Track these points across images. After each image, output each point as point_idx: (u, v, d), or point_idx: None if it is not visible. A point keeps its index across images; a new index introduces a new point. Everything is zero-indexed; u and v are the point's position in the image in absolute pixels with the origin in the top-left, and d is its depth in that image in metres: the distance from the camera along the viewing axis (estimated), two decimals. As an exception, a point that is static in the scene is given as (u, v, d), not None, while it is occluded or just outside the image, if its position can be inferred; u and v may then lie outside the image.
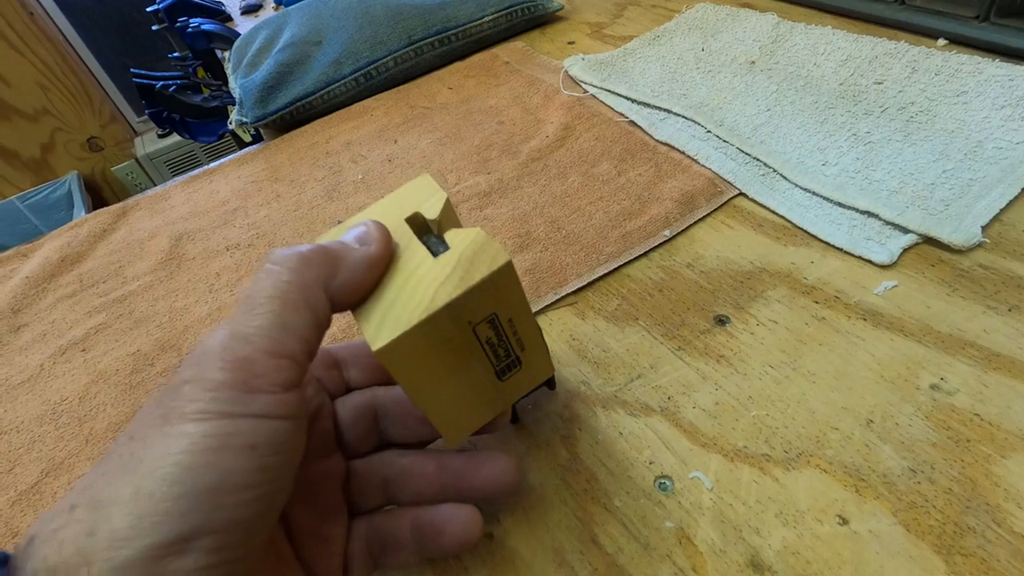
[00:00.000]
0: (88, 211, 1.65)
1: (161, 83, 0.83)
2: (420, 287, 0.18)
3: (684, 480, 0.24)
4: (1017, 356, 0.25)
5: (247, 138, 0.82)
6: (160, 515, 0.14)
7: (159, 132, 1.88)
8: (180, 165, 1.89)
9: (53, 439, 0.32)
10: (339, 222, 0.42)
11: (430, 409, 0.20)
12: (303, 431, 0.18)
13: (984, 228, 0.31)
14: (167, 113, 0.84)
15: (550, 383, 0.28)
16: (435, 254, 0.19)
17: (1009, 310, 0.27)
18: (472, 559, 0.23)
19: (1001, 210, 0.31)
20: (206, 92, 0.87)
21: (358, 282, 0.18)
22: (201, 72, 0.89)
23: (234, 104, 0.79)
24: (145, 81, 0.84)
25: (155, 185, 1.93)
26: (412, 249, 0.19)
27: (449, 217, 0.21)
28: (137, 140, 1.89)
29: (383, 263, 0.19)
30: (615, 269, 0.34)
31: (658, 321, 0.31)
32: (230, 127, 0.55)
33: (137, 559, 0.14)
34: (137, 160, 1.86)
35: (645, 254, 0.35)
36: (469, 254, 0.18)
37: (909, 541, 0.21)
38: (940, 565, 0.20)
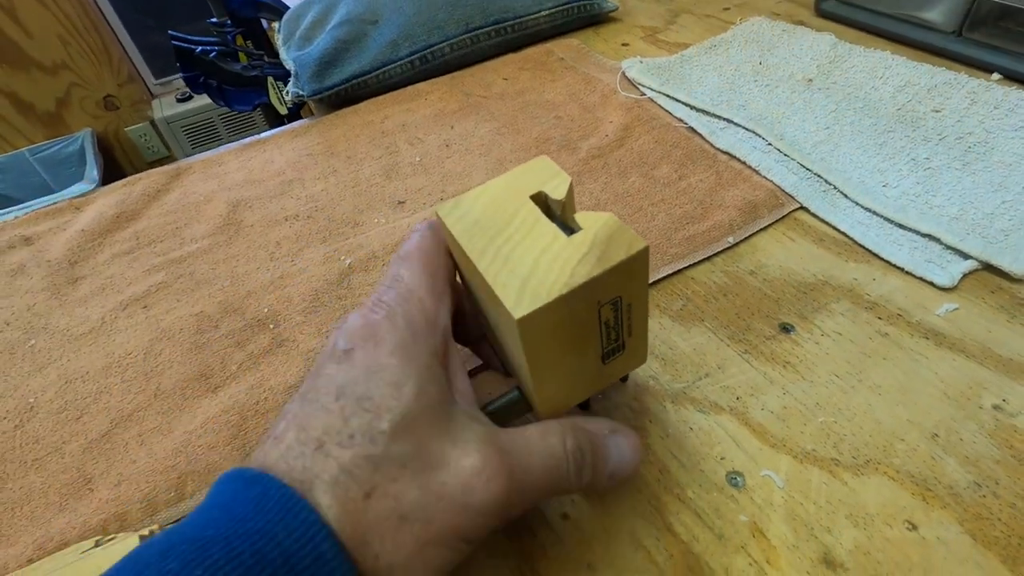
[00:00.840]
0: (100, 170, 1.64)
1: (201, 48, 0.82)
2: (557, 263, 0.19)
3: (755, 477, 0.25)
4: (1076, 384, 0.27)
5: (283, 111, 0.81)
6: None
7: (178, 96, 1.86)
8: (197, 132, 1.88)
9: (120, 391, 0.32)
10: (400, 202, 0.42)
11: (540, 381, 0.21)
12: None
13: (1042, 260, 0.32)
14: (204, 79, 0.83)
15: (625, 374, 0.28)
16: (568, 234, 0.20)
17: (1067, 340, 0.28)
18: (548, 536, 0.24)
19: (1059, 244, 0.33)
20: (244, 60, 0.87)
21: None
22: (240, 40, 0.89)
23: (274, 75, 0.79)
24: (184, 44, 0.83)
25: (168, 149, 1.91)
26: (542, 226, 0.20)
27: (571, 200, 0.21)
28: (154, 102, 1.87)
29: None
30: (679, 270, 0.35)
31: (723, 324, 0.32)
32: (285, 96, 0.55)
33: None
34: (153, 123, 1.85)
35: (708, 258, 0.35)
36: (604, 236, 0.19)
37: (976, 550, 0.22)
38: (1007, 574, 0.21)
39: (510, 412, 0.25)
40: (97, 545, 0.24)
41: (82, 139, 1.73)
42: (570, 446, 0.20)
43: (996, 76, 0.46)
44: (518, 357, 0.20)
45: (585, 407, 0.28)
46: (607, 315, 0.20)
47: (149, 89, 1.90)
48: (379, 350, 0.19)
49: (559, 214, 0.21)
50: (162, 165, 0.51)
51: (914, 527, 0.23)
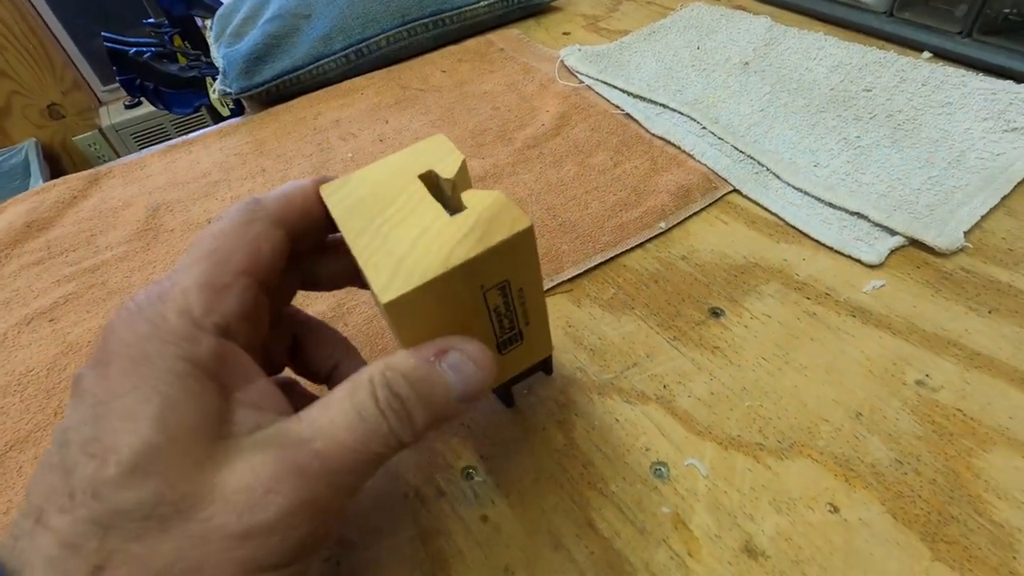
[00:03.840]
0: (46, 181, 1.57)
1: (135, 49, 0.79)
2: (435, 243, 0.17)
3: (679, 467, 0.24)
4: (996, 356, 0.26)
5: (225, 112, 0.79)
6: None
7: (126, 103, 1.80)
8: (148, 138, 1.82)
9: (18, 411, 0.30)
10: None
11: None
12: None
13: (966, 234, 0.32)
14: (140, 81, 0.80)
15: (547, 368, 0.27)
16: (451, 213, 0.18)
17: (989, 312, 0.28)
18: (466, 540, 0.23)
19: (982, 217, 0.33)
20: (183, 61, 0.83)
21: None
22: (178, 40, 0.86)
23: (212, 75, 0.76)
24: (117, 47, 0.80)
25: (119, 157, 1.85)
26: (426, 205, 0.19)
27: (464, 179, 0.20)
28: (102, 110, 1.81)
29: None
30: (611, 258, 0.34)
31: (654, 311, 0.31)
32: (212, 96, 0.53)
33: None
34: (101, 131, 1.78)
35: (641, 245, 0.35)
36: (488, 216, 0.18)
37: (896, 529, 0.22)
38: (925, 552, 0.21)
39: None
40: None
41: (25, 150, 1.65)
42: (382, 396, 0.17)
43: (927, 55, 0.47)
44: (399, 343, 0.19)
45: (509, 404, 0.27)
46: (495, 301, 0.19)
47: (97, 96, 1.83)
48: (109, 371, 0.15)
49: (449, 194, 0.20)
50: (81, 170, 0.48)
51: (836, 509, 0.22)
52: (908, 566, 0.21)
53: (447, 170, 0.20)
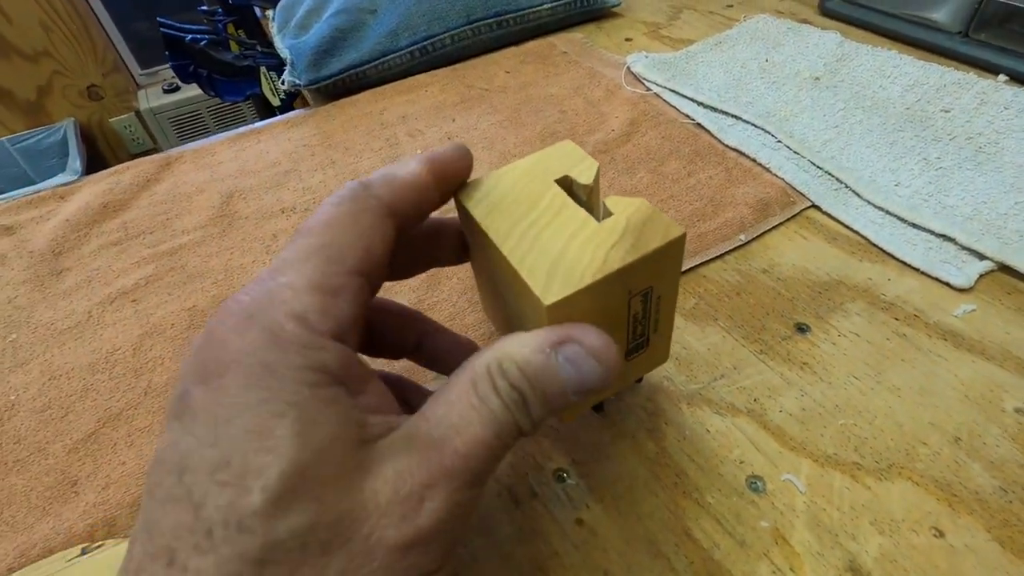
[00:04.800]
0: (83, 161, 1.60)
1: (191, 36, 0.80)
2: (588, 248, 0.17)
3: (776, 481, 0.24)
4: (1097, 388, 0.26)
5: (275, 102, 0.80)
6: None
7: (164, 87, 1.82)
8: (184, 124, 1.84)
9: (107, 389, 0.31)
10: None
11: None
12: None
13: (1057, 262, 0.31)
14: (194, 68, 0.81)
15: (646, 372, 0.27)
16: (597, 219, 0.19)
17: (1086, 343, 0.28)
18: (563, 543, 0.23)
19: (1073, 246, 0.32)
20: (235, 49, 0.84)
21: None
22: (231, 28, 0.87)
23: (267, 65, 0.77)
24: (173, 33, 0.81)
25: (153, 141, 1.88)
26: (570, 210, 0.19)
27: (598, 185, 0.20)
28: (140, 93, 1.83)
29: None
30: (691, 268, 0.34)
31: (738, 323, 0.31)
32: (282, 85, 0.53)
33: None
34: (138, 114, 1.81)
35: (720, 256, 0.35)
36: (637, 222, 0.18)
37: (1006, 558, 0.21)
38: (1038, 583, 0.21)
39: None
40: (84, 553, 0.22)
41: (64, 129, 1.68)
42: (502, 387, 0.16)
43: (1003, 77, 0.46)
44: None
45: (599, 409, 0.27)
46: (636, 307, 0.19)
47: (135, 79, 1.86)
48: (226, 386, 0.14)
49: (585, 200, 0.20)
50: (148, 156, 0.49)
51: (941, 534, 0.22)
52: (1021, 596, 0.21)
53: (584, 176, 0.20)
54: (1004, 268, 0.32)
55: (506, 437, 0.16)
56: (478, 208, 0.20)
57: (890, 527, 0.23)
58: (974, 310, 0.30)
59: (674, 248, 0.18)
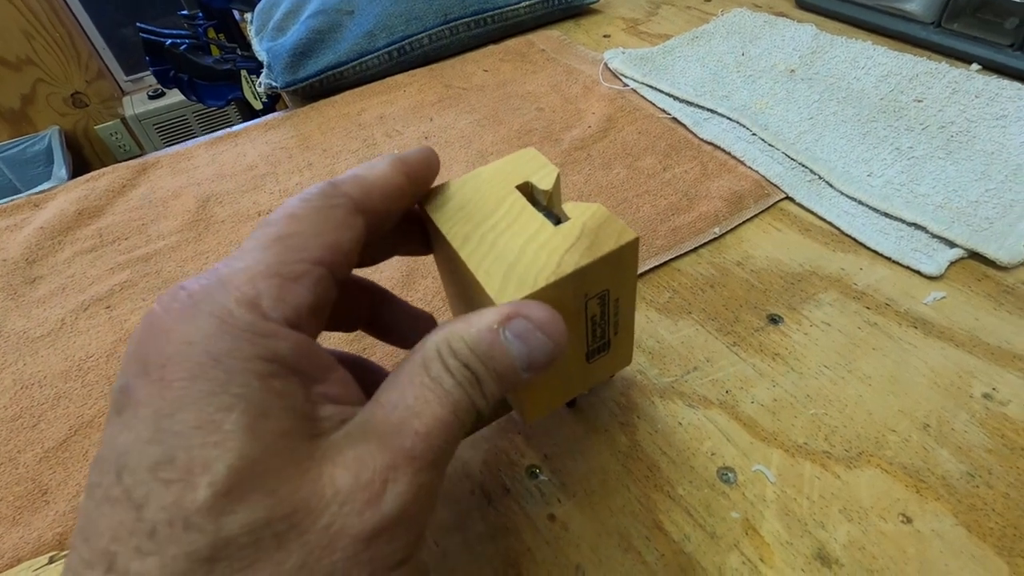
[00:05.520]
0: (69, 169, 1.58)
1: (171, 41, 0.80)
2: (544, 252, 0.18)
3: (747, 472, 0.24)
4: (1064, 371, 0.26)
5: (257, 105, 0.79)
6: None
7: (150, 93, 1.81)
8: (170, 129, 1.83)
9: (80, 397, 0.30)
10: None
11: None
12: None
13: (1027, 248, 0.32)
14: (174, 73, 0.81)
15: (610, 375, 0.28)
16: (554, 223, 0.19)
17: (1054, 327, 0.28)
18: (535, 539, 0.23)
19: (1042, 232, 0.32)
20: (216, 54, 0.84)
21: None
22: (212, 33, 0.86)
23: (248, 68, 0.76)
24: (153, 38, 0.80)
25: (140, 147, 1.86)
26: (528, 215, 0.19)
27: (558, 192, 0.20)
28: (125, 99, 1.82)
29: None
30: (665, 262, 0.34)
31: (711, 316, 0.31)
32: (258, 88, 0.53)
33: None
34: (124, 120, 1.80)
35: (694, 250, 0.35)
36: (593, 226, 0.18)
37: (971, 542, 0.22)
38: (1003, 567, 0.21)
39: (492, 409, 0.24)
40: (51, 561, 0.22)
41: (49, 137, 1.67)
42: (455, 368, 0.16)
43: (975, 66, 0.46)
44: None
45: (572, 405, 0.27)
46: (593, 310, 0.19)
47: (120, 86, 1.85)
48: (167, 378, 0.13)
49: (545, 204, 0.20)
50: (128, 160, 0.48)
51: (908, 520, 0.22)
52: (986, 579, 0.21)
53: (544, 182, 0.20)
54: (974, 255, 0.32)
55: (463, 415, 0.16)
56: (439, 213, 0.20)
57: (859, 514, 0.23)
58: (944, 297, 0.30)
59: (628, 252, 0.18)
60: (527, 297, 0.17)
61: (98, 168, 0.48)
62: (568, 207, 0.19)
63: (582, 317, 0.19)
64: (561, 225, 0.18)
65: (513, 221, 0.19)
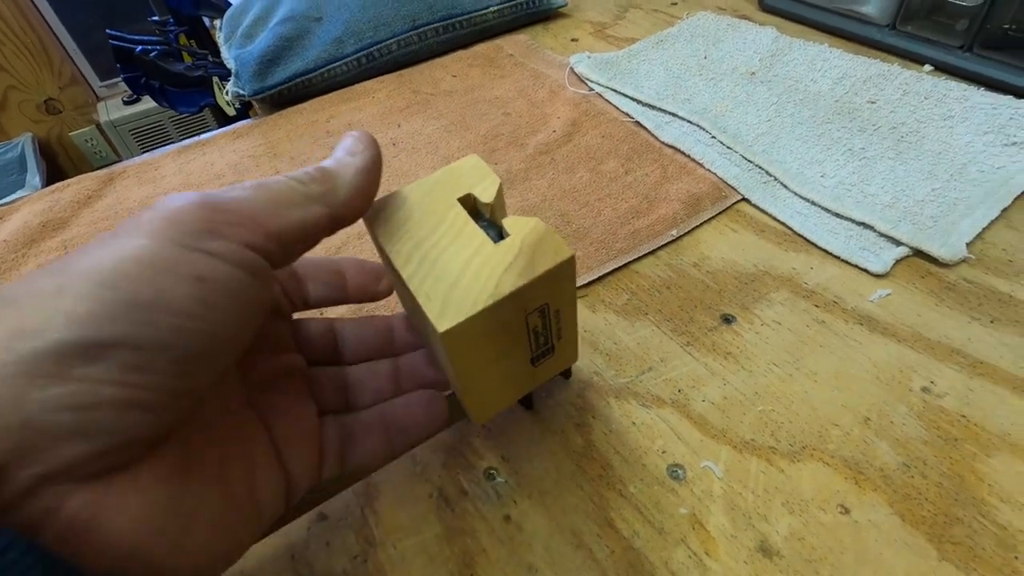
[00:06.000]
0: (43, 177, 1.56)
1: (141, 47, 0.79)
2: (483, 272, 0.18)
3: (695, 469, 0.25)
4: (998, 364, 0.28)
5: (231, 112, 0.79)
6: (80, 314, 0.13)
7: (125, 99, 1.79)
8: (147, 135, 1.81)
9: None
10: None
11: (468, 387, 0.20)
12: (262, 291, 0.17)
13: (968, 245, 0.33)
14: (145, 79, 0.80)
15: (565, 372, 0.28)
16: (494, 239, 0.19)
17: (991, 322, 0.29)
18: (490, 539, 0.24)
19: (983, 229, 0.34)
20: (188, 60, 0.83)
21: (357, 191, 0.19)
22: (183, 39, 0.86)
23: (219, 75, 0.76)
24: (123, 44, 0.80)
25: (116, 154, 1.84)
26: (469, 231, 0.20)
27: (500, 202, 0.21)
28: (100, 105, 1.80)
29: (376, 168, 0.20)
30: (624, 265, 0.35)
31: (667, 317, 0.32)
32: (226, 97, 0.53)
33: (42, 353, 0.13)
34: (99, 126, 1.77)
35: (653, 252, 0.36)
36: (531, 243, 0.19)
37: (904, 530, 0.23)
38: (932, 552, 0.22)
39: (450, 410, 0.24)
40: None
41: (22, 144, 1.64)
42: (300, 174, 0.18)
43: (928, 68, 0.48)
44: (447, 366, 0.20)
45: (528, 406, 0.28)
46: (535, 322, 0.20)
47: (94, 91, 1.82)
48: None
49: (488, 216, 0.21)
50: (94, 170, 0.48)
51: (847, 511, 0.23)
52: (916, 565, 0.22)
53: (485, 194, 0.21)
54: (919, 253, 0.33)
55: (282, 193, 0.18)
56: (383, 229, 0.20)
57: (800, 506, 0.24)
58: (889, 294, 0.31)
59: (565, 268, 0.19)
60: (465, 321, 0.17)
61: (73, 175, 0.47)
62: (508, 222, 0.20)
63: (524, 329, 0.20)
64: (501, 243, 0.19)
65: (455, 238, 0.19)
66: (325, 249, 0.38)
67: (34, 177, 1.54)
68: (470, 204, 0.21)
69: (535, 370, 0.22)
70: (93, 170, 1.76)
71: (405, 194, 0.22)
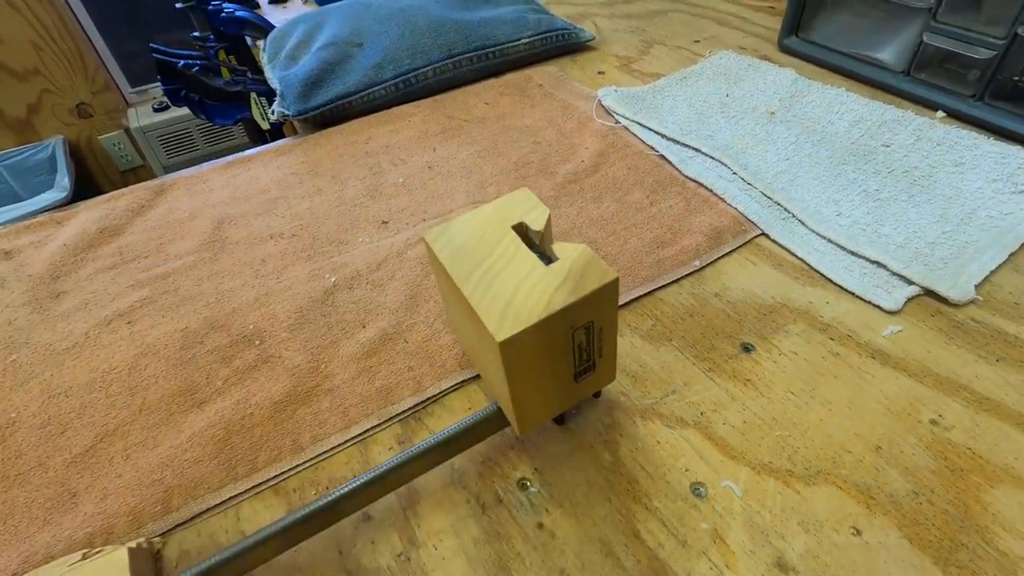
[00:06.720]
0: (71, 178, 1.60)
1: (183, 62, 0.83)
2: (536, 290, 0.20)
3: (717, 487, 0.27)
4: (1004, 401, 0.29)
5: (265, 125, 0.82)
6: None
7: (155, 105, 1.84)
8: (174, 142, 1.86)
9: (104, 406, 0.33)
10: (384, 222, 0.44)
11: (517, 398, 0.22)
12: None
13: (977, 287, 0.35)
14: (186, 92, 0.84)
15: (595, 392, 0.30)
16: (544, 263, 0.22)
17: (997, 360, 0.31)
18: (524, 544, 0.26)
19: (991, 272, 0.36)
20: (226, 75, 0.87)
21: None
22: (223, 55, 0.90)
23: (257, 91, 0.79)
24: (166, 58, 0.83)
25: (143, 158, 1.88)
26: (522, 256, 0.22)
27: (549, 230, 0.23)
28: (130, 111, 1.85)
29: None
30: (649, 292, 0.37)
31: (689, 343, 0.34)
32: (271, 116, 0.56)
33: None
34: (128, 131, 1.82)
35: (676, 281, 0.38)
36: (579, 266, 0.21)
37: (913, 553, 0.24)
38: (938, 575, 0.24)
39: (489, 424, 0.26)
40: (84, 558, 0.24)
41: (53, 146, 1.69)
42: None
43: (940, 114, 0.50)
44: (498, 376, 0.22)
45: (560, 422, 0.30)
46: (580, 338, 0.22)
47: (124, 97, 1.87)
48: None
49: (538, 243, 0.23)
50: (136, 174, 0.51)
51: (859, 532, 0.25)
52: (923, 586, 0.23)
53: (536, 222, 0.23)
54: (929, 292, 0.35)
55: None
56: (444, 252, 0.23)
57: (815, 527, 0.25)
58: (901, 331, 0.33)
59: (609, 289, 0.21)
60: (521, 332, 0.19)
61: (100, 177, 0.50)
62: (557, 247, 0.22)
63: (569, 344, 0.22)
64: (551, 265, 0.21)
65: (509, 261, 0.22)
66: (367, 264, 0.40)
67: (63, 178, 1.58)
68: (522, 231, 0.23)
69: (576, 386, 0.24)
70: (119, 173, 1.78)
71: (462, 222, 0.24)
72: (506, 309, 0.20)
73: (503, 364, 0.20)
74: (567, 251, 0.22)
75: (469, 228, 0.23)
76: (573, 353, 0.22)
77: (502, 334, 0.19)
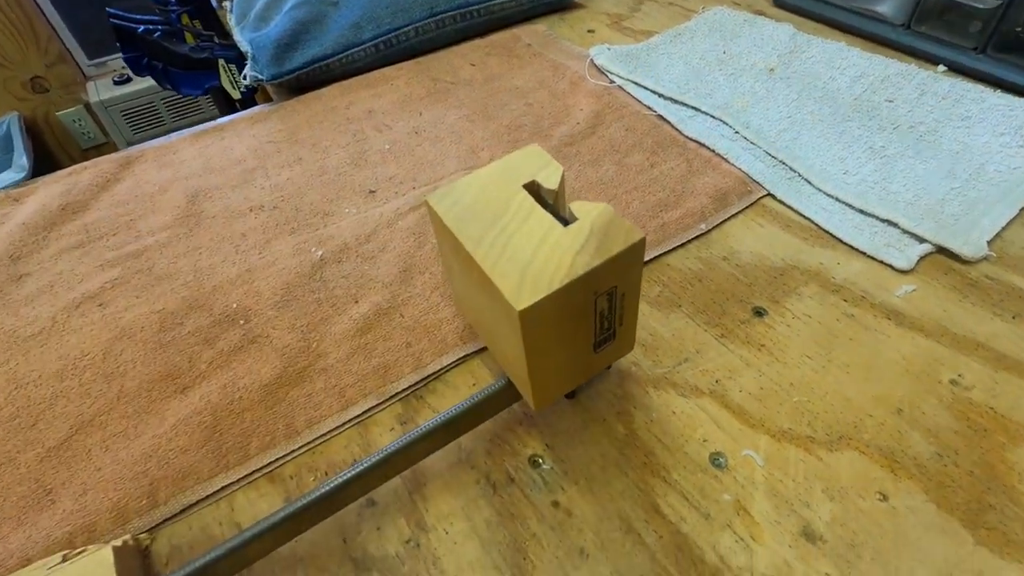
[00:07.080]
0: (29, 156, 1.52)
1: (144, 27, 0.77)
2: (556, 253, 0.18)
3: (737, 457, 0.26)
4: (1022, 358, 0.29)
5: (236, 95, 0.78)
6: None
7: (115, 78, 1.74)
8: (138, 117, 1.77)
9: (78, 395, 0.30)
10: (371, 192, 0.41)
11: (534, 371, 0.21)
12: None
13: (989, 243, 0.34)
14: (148, 60, 0.78)
15: (613, 362, 0.29)
16: (562, 224, 0.20)
17: (1013, 318, 0.31)
18: (540, 525, 0.24)
19: (1003, 228, 0.35)
20: (191, 41, 0.82)
21: None
22: (186, 19, 0.84)
23: (225, 57, 0.75)
24: (124, 23, 0.78)
25: (105, 135, 1.79)
26: (537, 215, 0.20)
27: (563, 189, 0.21)
28: (89, 85, 1.75)
29: None
30: (655, 257, 0.35)
31: (700, 309, 0.32)
32: (244, 80, 0.52)
33: None
34: (88, 106, 1.73)
35: (682, 245, 0.36)
36: (600, 226, 0.19)
37: (940, 516, 0.24)
38: (968, 537, 0.23)
39: (499, 400, 0.25)
40: (65, 560, 0.22)
41: (8, 124, 1.60)
42: None
43: (942, 68, 0.49)
44: (513, 348, 0.20)
45: (572, 396, 0.28)
46: (602, 305, 0.20)
47: (82, 70, 1.77)
48: None
49: (552, 203, 0.21)
50: (100, 152, 0.47)
51: (885, 498, 0.24)
52: (953, 551, 0.23)
53: (550, 180, 0.21)
54: (941, 250, 0.34)
55: None
56: (449, 215, 0.20)
57: (840, 493, 0.25)
58: (915, 290, 0.32)
59: (635, 251, 0.19)
60: (542, 300, 0.18)
61: (60, 155, 0.47)
62: (575, 206, 0.20)
63: (591, 312, 0.20)
64: (571, 226, 0.19)
65: (523, 222, 0.20)
66: (355, 236, 0.38)
67: (21, 157, 1.50)
68: (534, 191, 0.21)
69: (594, 357, 0.23)
70: (81, 151, 1.70)
71: (467, 183, 0.22)
72: (524, 274, 0.18)
73: (521, 335, 0.18)
74: (586, 210, 0.20)
75: (476, 188, 0.21)
76: (594, 321, 0.21)
77: (522, 302, 0.17)
